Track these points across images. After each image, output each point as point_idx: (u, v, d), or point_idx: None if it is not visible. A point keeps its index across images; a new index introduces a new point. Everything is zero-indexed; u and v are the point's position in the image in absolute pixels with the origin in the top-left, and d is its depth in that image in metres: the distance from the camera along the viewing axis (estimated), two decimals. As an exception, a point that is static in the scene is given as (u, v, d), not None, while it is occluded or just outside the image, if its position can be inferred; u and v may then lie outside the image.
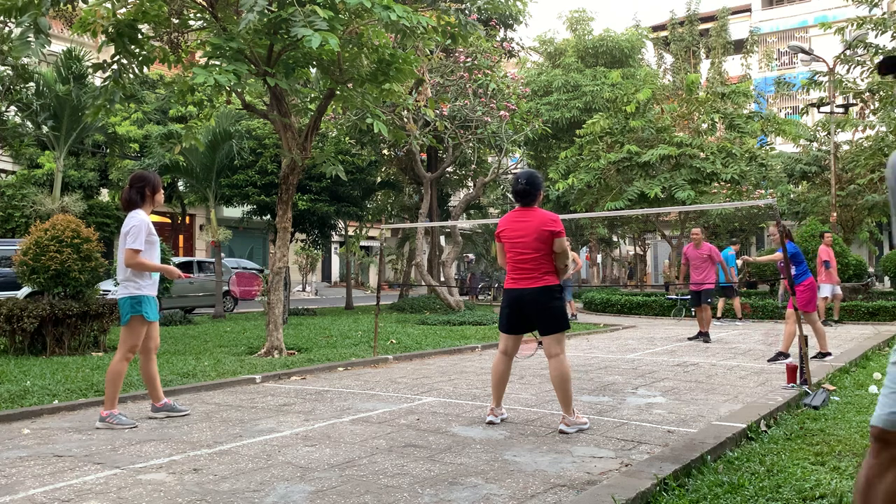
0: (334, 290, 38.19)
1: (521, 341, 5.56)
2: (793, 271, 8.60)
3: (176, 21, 9.17)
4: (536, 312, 5.17)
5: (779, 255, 9.13)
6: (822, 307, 14.37)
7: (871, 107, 19.29)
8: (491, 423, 5.32)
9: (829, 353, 8.85)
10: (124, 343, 5.49)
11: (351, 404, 6.20)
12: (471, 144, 17.71)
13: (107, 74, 8.76)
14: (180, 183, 23.86)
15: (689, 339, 11.70)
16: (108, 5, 8.31)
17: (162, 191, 5.77)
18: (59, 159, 16.70)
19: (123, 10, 8.50)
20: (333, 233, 23.03)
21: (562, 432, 5.02)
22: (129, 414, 5.78)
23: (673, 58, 31.05)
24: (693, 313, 11.91)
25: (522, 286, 5.17)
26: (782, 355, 8.76)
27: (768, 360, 8.81)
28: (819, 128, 24.30)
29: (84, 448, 4.68)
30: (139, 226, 5.43)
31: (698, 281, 11.40)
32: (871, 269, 24.35)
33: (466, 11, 10.77)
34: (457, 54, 16.76)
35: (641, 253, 38.20)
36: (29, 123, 17.09)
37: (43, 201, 15.67)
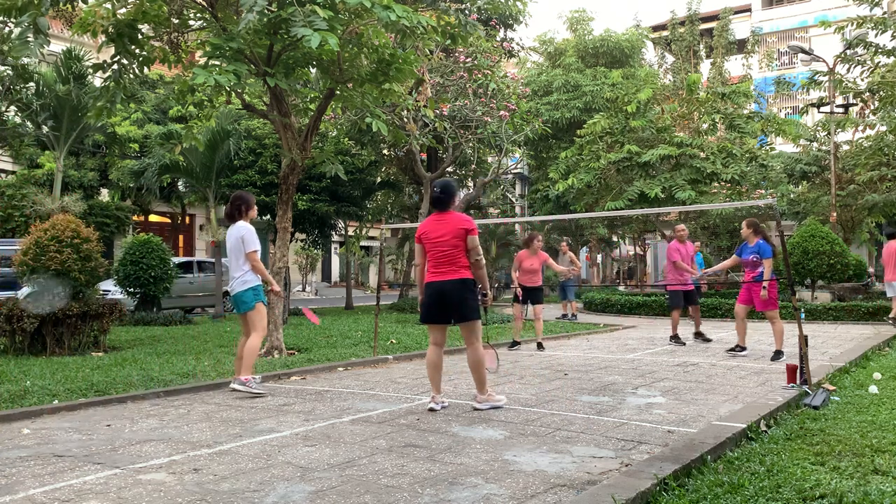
0: (334, 290, 38.20)
1: (486, 350, 6.30)
2: (759, 269, 9.02)
3: (176, 21, 9.16)
4: (454, 303, 5.72)
5: (730, 262, 9.85)
6: None
7: (871, 107, 19.28)
8: (432, 409, 5.78)
9: (745, 349, 9.55)
10: (260, 323, 6.84)
11: (351, 404, 6.20)
12: (471, 144, 17.71)
13: (107, 75, 8.76)
14: (180, 183, 23.87)
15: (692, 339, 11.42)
16: (108, 5, 8.31)
17: (255, 209, 7.10)
18: (59, 159, 16.70)
19: (123, 10, 8.50)
20: (333, 233, 23.03)
21: (475, 409, 5.74)
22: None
23: (674, 58, 31.06)
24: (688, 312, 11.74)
25: (443, 279, 5.72)
26: (780, 353, 8.91)
27: (771, 360, 8.90)
28: (819, 128, 24.28)
29: (84, 448, 4.68)
30: (251, 232, 6.82)
31: (682, 280, 11.02)
32: (870, 270, 24.33)
33: (466, 11, 10.74)
34: (457, 54, 16.76)
35: (641, 253, 38.18)
36: (29, 123, 17.09)
37: (43, 201, 15.67)
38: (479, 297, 5.95)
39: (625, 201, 18.70)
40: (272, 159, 17.33)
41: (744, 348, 9.54)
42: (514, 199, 35.32)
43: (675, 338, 11.09)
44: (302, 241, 22.74)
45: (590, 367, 8.52)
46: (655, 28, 34.23)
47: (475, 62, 16.71)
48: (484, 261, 5.90)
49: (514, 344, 10.70)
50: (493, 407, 5.73)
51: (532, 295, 10.62)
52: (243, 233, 6.81)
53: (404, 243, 32.33)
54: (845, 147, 23.85)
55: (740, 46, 32.24)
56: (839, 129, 21.69)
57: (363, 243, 32.56)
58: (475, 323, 5.78)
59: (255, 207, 7.13)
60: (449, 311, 5.75)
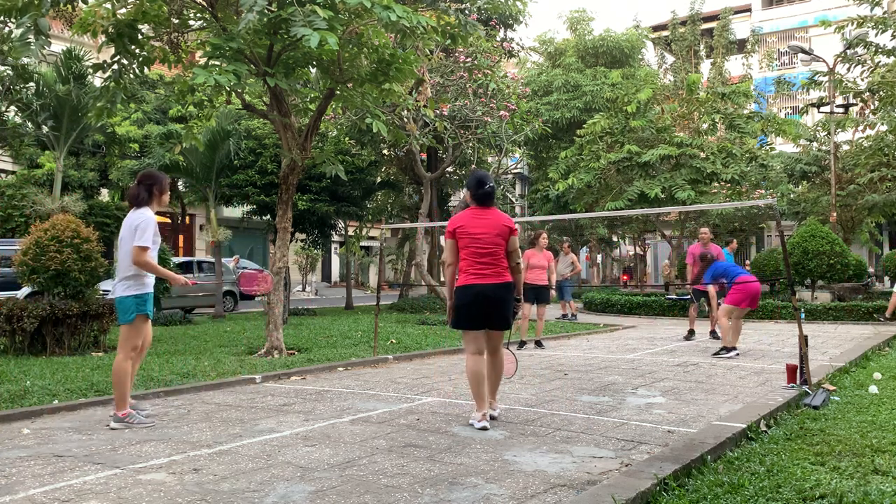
0: (334, 290, 38.18)
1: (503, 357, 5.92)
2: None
3: (176, 21, 9.16)
4: (498, 307, 5.29)
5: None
6: None
7: (871, 107, 19.29)
8: (492, 417, 5.41)
9: (734, 349, 9.57)
10: (128, 341, 5.40)
11: (351, 404, 6.20)
12: (471, 144, 17.70)
13: (107, 75, 8.75)
14: (180, 183, 23.86)
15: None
16: (108, 5, 8.31)
17: (168, 192, 5.72)
18: (59, 159, 16.69)
19: (123, 10, 8.50)
20: (333, 233, 23.03)
21: (491, 417, 5.38)
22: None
23: (674, 58, 31.06)
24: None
25: (488, 281, 5.26)
26: (725, 349, 9.47)
27: (713, 355, 9.47)
28: (819, 128, 24.29)
29: (84, 448, 4.68)
30: (147, 222, 5.33)
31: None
32: (871, 269, 24.33)
33: (466, 11, 10.75)
34: (457, 54, 16.75)
35: (641, 253, 38.19)
36: (29, 123, 17.07)
37: (43, 201, 15.66)
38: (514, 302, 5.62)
39: (625, 201, 18.70)
40: (272, 159, 17.33)
41: (732, 348, 9.52)
42: (514, 199, 35.32)
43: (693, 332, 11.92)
44: (302, 241, 22.74)
45: (590, 367, 8.51)
46: (656, 28, 34.21)
47: (475, 62, 16.69)
48: (523, 265, 5.67)
49: (522, 344, 10.75)
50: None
51: (537, 293, 10.60)
52: (140, 220, 5.31)
53: (404, 243, 32.31)
54: (845, 147, 23.85)
55: (740, 46, 32.22)
56: (839, 129, 21.68)
57: (363, 243, 32.55)
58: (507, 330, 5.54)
59: (168, 192, 5.70)
60: (494, 317, 5.29)
